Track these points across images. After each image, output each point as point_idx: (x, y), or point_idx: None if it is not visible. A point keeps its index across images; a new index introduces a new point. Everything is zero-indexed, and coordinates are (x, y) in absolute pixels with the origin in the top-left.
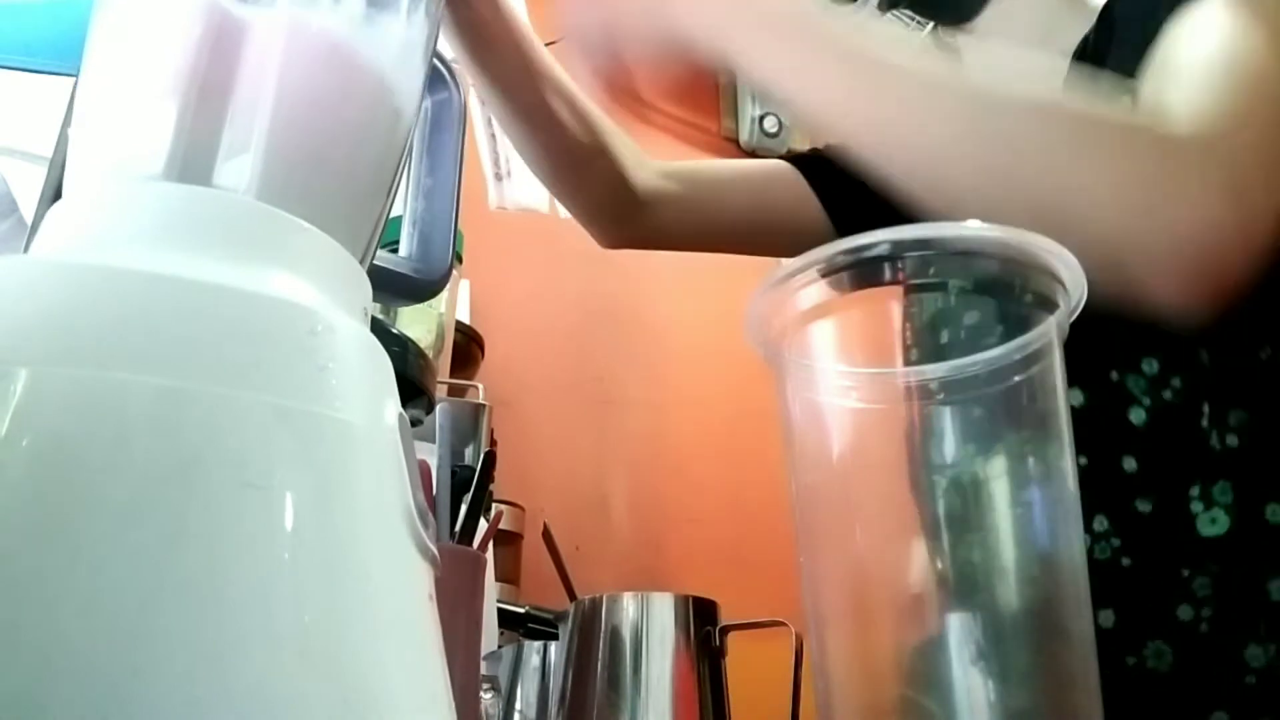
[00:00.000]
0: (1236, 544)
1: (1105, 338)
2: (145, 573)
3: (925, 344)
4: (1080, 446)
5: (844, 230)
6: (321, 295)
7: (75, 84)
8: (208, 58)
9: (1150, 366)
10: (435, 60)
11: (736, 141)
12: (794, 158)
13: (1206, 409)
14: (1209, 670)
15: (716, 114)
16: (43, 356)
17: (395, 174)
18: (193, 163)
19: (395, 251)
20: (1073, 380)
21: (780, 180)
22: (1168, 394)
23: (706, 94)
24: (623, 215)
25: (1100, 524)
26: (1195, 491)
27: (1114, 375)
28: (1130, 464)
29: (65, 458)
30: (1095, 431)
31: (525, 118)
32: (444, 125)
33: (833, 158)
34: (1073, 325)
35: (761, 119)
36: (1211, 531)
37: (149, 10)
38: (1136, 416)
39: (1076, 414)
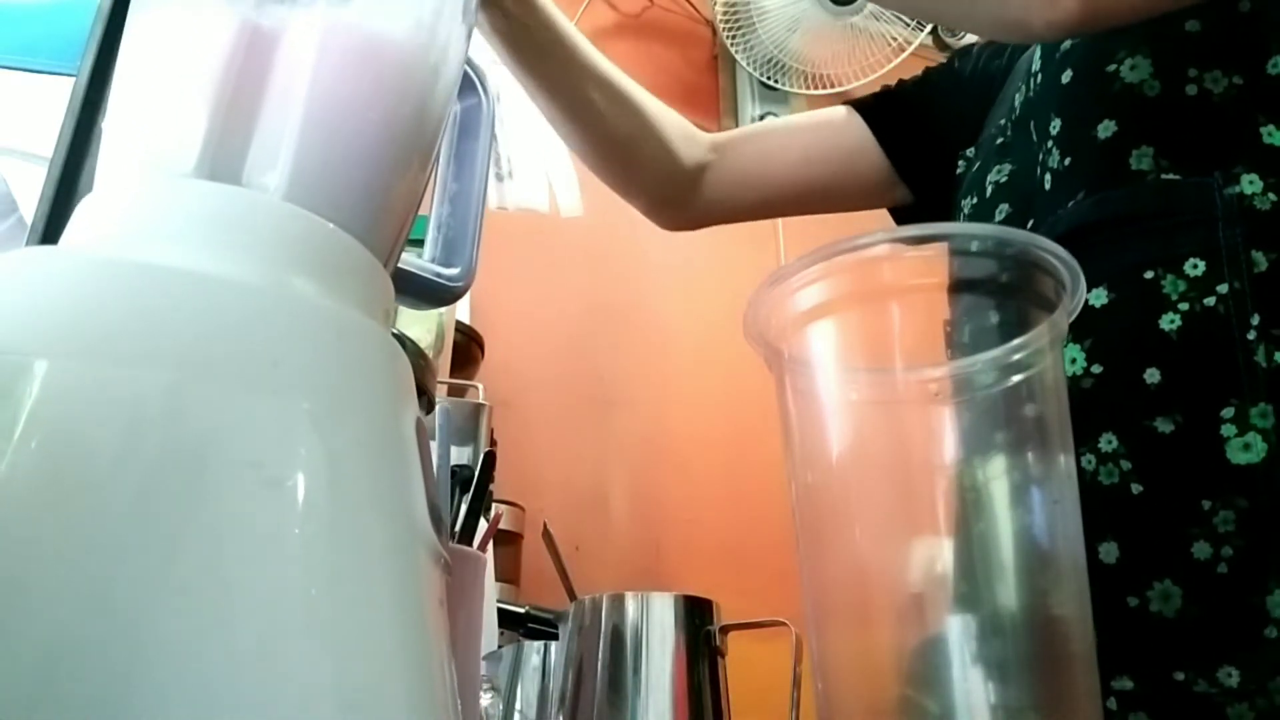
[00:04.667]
0: (1273, 475)
1: (1143, 233)
2: (150, 567)
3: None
4: (1096, 352)
5: (904, 171)
6: (343, 297)
7: (76, 82)
8: (241, 58)
9: (1195, 268)
10: (466, 66)
11: None
12: (854, 102)
13: (1256, 320)
14: (1223, 618)
15: (716, 114)
16: (63, 348)
17: (423, 180)
18: (223, 162)
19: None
20: (1098, 277)
21: (835, 126)
22: (1211, 300)
23: (706, 94)
24: (678, 195)
25: (1108, 443)
26: (1229, 413)
27: (1148, 274)
28: (1153, 376)
29: (77, 450)
30: (1115, 336)
31: (570, 113)
32: (472, 131)
33: (895, 98)
34: (1102, 219)
35: (761, 119)
36: (1244, 459)
37: (184, 11)
38: (1169, 323)
39: (1095, 314)
